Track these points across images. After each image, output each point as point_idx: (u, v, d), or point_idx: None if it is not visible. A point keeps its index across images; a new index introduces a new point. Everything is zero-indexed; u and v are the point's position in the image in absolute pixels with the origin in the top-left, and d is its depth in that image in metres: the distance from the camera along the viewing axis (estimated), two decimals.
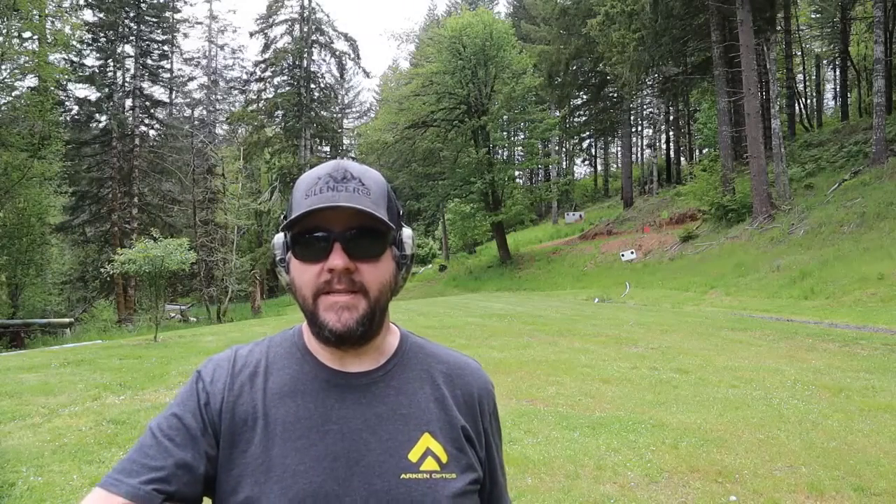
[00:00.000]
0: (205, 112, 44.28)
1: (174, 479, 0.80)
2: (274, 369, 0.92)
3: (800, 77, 39.86)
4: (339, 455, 0.85)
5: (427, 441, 0.89)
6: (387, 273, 0.90)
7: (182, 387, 0.93)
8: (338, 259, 0.85)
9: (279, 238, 0.95)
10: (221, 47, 45.93)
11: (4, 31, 20.39)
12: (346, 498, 0.83)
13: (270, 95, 43.42)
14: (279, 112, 43.34)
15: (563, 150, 51.50)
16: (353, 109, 55.25)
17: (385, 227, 0.88)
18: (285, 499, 0.81)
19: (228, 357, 0.94)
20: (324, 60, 45.68)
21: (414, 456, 0.87)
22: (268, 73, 43.73)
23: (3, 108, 22.43)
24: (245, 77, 45.64)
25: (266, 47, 43.61)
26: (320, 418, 0.86)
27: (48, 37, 21.98)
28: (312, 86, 43.89)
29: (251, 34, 44.54)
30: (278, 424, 0.86)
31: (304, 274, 0.88)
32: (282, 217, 0.96)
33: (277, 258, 0.95)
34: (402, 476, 0.85)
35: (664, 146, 45.53)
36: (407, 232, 0.96)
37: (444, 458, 0.88)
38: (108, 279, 24.67)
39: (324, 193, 0.87)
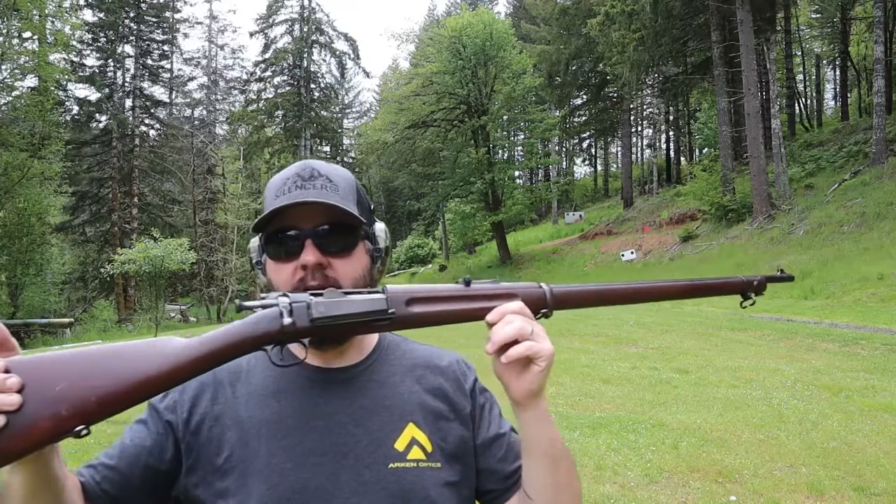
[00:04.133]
0: (205, 112, 44.26)
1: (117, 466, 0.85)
2: (256, 371, 0.92)
3: (800, 77, 39.84)
4: (326, 450, 0.85)
5: (412, 430, 0.90)
6: (360, 267, 0.91)
7: None
8: (310, 255, 0.86)
9: (254, 241, 0.96)
10: (221, 47, 45.91)
11: (4, 31, 20.39)
12: (336, 492, 0.83)
13: (270, 95, 43.45)
14: (279, 112, 43.36)
15: (563, 150, 51.49)
16: (353, 109, 55.27)
17: (355, 221, 0.89)
18: (274, 497, 0.82)
19: None
20: (324, 60, 45.73)
21: (400, 445, 0.88)
22: (268, 73, 43.75)
23: (3, 108, 22.43)
24: (245, 77, 45.63)
25: (266, 47, 43.63)
26: (305, 415, 0.87)
27: (48, 37, 21.98)
28: (312, 86, 43.91)
29: (251, 34, 44.59)
30: (263, 425, 0.86)
31: (279, 273, 0.89)
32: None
33: (254, 261, 0.96)
34: (391, 465, 0.86)
35: (664, 146, 45.54)
36: (379, 226, 0.97)
37: (428, 448, 0.89)
38: (108, 279, 24.69)
39: (292, 192, 0.88)
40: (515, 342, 0.78)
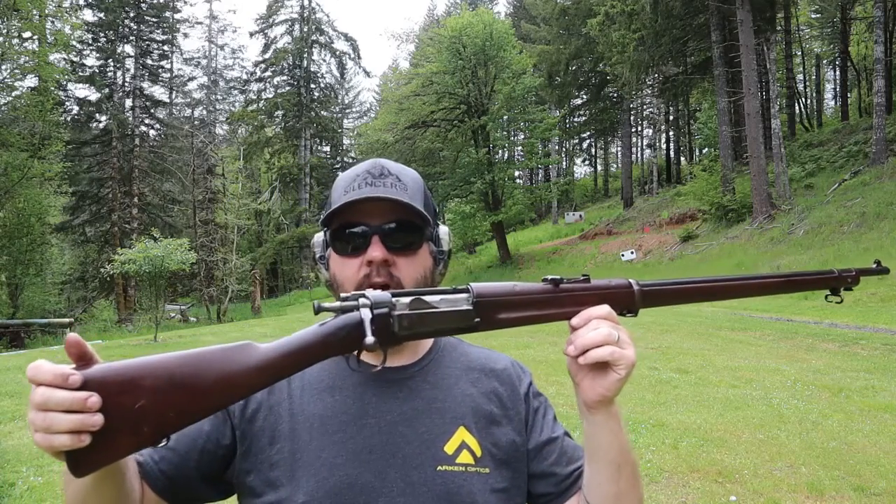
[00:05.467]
0: (205, 112, 44.26)
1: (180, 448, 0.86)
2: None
3: (800, 77, 39.85)
4: (375, 448, 0.85)
5: (462, 434, 0.89)
6: (423, 268, 0.92)
7: None
8: (376, 251, 0.87)
9: (319, 236, 0.97)
10: (221, 47, 45.93)
11: (4, 31, 20.39)
12: (384, 489, 0.83)
13: (270, 95, 43.48)
14: (279, 112, 43.37)
15: (563, 150, 51.49)
16: (353, 109, 55.23)
17: (422, 220, 0.90)
18: (322, 491, 0.82)
19: None
20: (324, 60, 45.76)
21: (450, 448, 0.88)
22: (268, 73, 43.78)
23: (3, 108, 22.43)
24: (245, 77, 45.67)
25: (266, 47, 43.65)
26: (358, 412, 0.87)
27: (48, 37, 21.98)
28: (312, 86, 43.92)
29: (251, 34, 44.67)
30: (316, 419, 0.87)
31: (344, 269, 0.90)
32: (321, 217, 0.98)
33: (317, 255, 0.97)
34: (439, 468, 0.86)
35: (664, 146, 45.53)
36: (443, 229, 0.98)
37: (478, 452, 0.89)
38: (108, 279, 24.67)
39: (362, 189, 0.89)
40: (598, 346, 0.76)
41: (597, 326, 0.77)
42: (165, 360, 0.65)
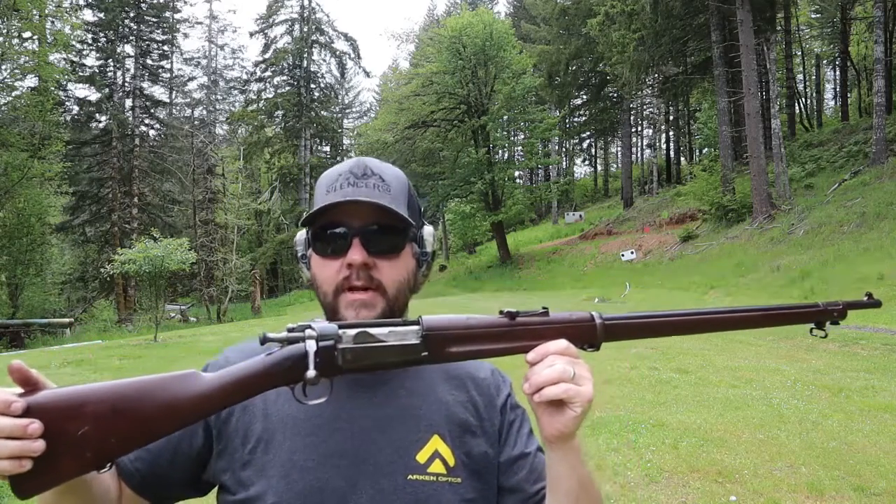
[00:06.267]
0: (205, 112, 44.26)
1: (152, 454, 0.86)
2: None
3: (800, 77, 39.85)
4: (346, 453, 0.84)
5: (436, 443, 0.88)
6: (405, 270, 0.91)
7: None
8: (356, 254, 0.86)
9: (301, 235, 0.96)
10: (221, 47, 45.92)
11: (4, 31, 20.40)
12: (353, 495, 0.83)
13: (270, 95, 43.49)
14: (279, 112, 43.38)
15: (563, 150, 51.49)
16: (353, 109, 55.24)
17: (404, 223, 0.89)
18: (292, 493, 0.82)
19: (234, 353, 0.95)
20: (324, 60, 45.78)
21: (422, 457, 0.86)
22: (268, 73, 43.79)
23: (3, 108, 22.43)
24: (245, 77, 45.67)
25: (266, 47, 43.67)
26: (331, 416, 0.86)
27: (48, 37, 21.99)
28: (312, 86, 43.94)
29: (251, 34, 44.66)
30: (289, 420, 0.86)
31: (324, 270, 0.89)
32: (304, 215, 0.97)
33: (299, 254, 0.96)
34: (409, 477, 0.85)
35: (664, 146, 45.53)
36: (428, 229, 0.97)
37: (451, 462, 0.88)
38: (108, 279, 24.68)
39: (344, 189, 0.88)
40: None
41: (552, 363, 0.75)
42: (109, 388, 0.66)
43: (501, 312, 0.79)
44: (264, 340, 0.71)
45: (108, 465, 0.66)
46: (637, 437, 4.74)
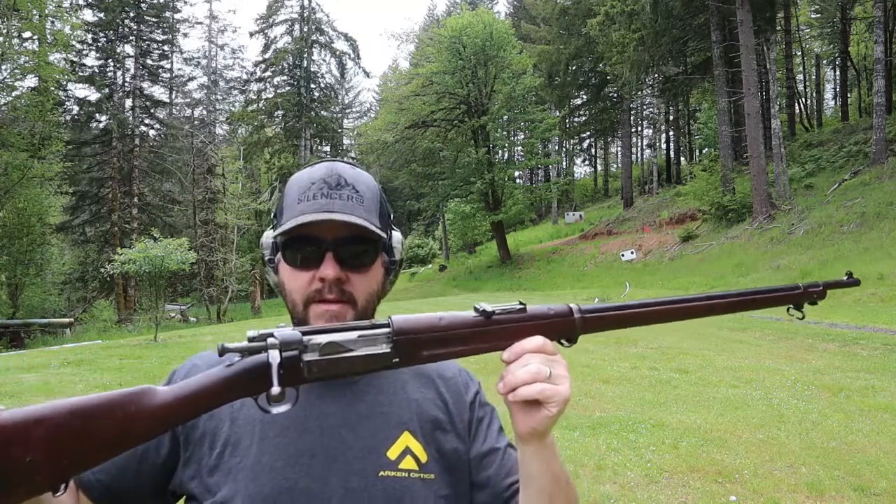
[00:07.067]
0: (205, 112, 44.25)
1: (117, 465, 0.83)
2: None
3: (800, 77, 39.85)
4: (316, 452, 0.84)
5: (407, 439, 0.88)
6: (375, 282, 0.91)
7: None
8: (329, 269, 0.85)
9: (268, 237, 0.94)
10: (221, 47, 45.93)
11: (4, 31, 20.40)
12: (323, 495, 0.82)
13: (270, 95, 43.48)
14: (279, 112, 43.39)
15: (563, 150, 51.50)
16: (353, 109, 55.26)
17: (377, 236, 0.88)
18: (261, 496, 0.81)
19: (202, 365, 0.93)
20: (324, 60, 45.78)
21: (393, 454, 0.86)
22: (268, 73, 43.79)
23: (3, 108, 22.43)
24: (245, 77, 45.66)
25: (266, 47, 43.66)
26: (299, 416, 0.85)
27: (48, 37, 21.98)
28: (312, 86, 43.94)
29: (251, 34, 44.65)
30: (256, 423, 0.85)
31: (294, 280, 0.88)
32: (272, 216, 0.95)
33: (266, 258, 0.94)
34: (380, 473, 0.84)
35: (664, 146, 45.54)
36: (396, 237, 0.96)
37: (423, 458, 0.87)
38: (108, 279, 24.69)
39: (317, 200, 0.86)
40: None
41: (526, 363, 0.74)
42: (58, 408, 0.63)
43: (476, 310, 0.76)
44: (223, 351, 0.67)
45: (63, 486, 0.62)
46: (637, 437, 4.74)
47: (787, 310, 0.92)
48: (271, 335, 0.67)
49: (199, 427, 0.87)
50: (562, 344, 0.79)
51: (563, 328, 0.78)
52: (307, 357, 0.68)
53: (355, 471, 0.84)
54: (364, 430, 0.87)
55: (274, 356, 0.66)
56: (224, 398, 0.68)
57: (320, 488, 0.82)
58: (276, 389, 0.65)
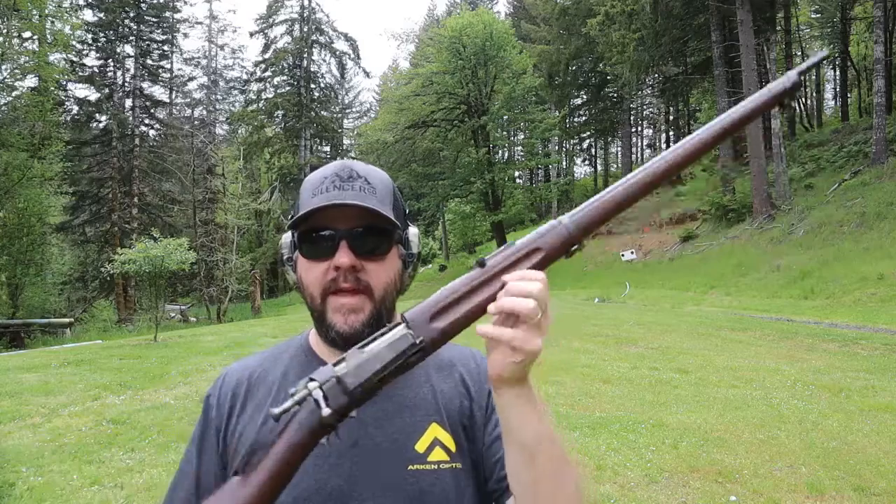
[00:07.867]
0: (205, 112, 44.25)
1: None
2: (260, 384, 0.95)
3: None
4: (343, 451, 0.85)
5: (435, 431, 0.89)
6: (392, 272, 0.91)
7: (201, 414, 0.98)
8: (344, 257, 0.85)
9: (286, 237, 0.96)
10: (221, 47, 45.90)
11: (4, 31, 20.39)
12: (354, 493, 0.83)
13: (270, 95, 43.43)
14: (279, 112, 43.34)
15: (563, 150, 51.47)
16: (353, 109, 55.22)
17: (391, 225, 0.89)
18: (291, 497, 0.81)
19: (231, 377, 0.98)
20: (324, 60, 45.73)
21: (421, 447, 0.87)
22: (268, 74, 43.74)
23: (3, 108, 22.43)
24: (245, 77, 45.64)
25: (266, 47, 43.62)
26: None
27: (48, 37, 21.98)
28: (312, 86, 43.90)
29: (251, 34, 44.58)
30: None
31: (311, 272, 0.89)
32: (289, 217, 0.96)
33: (284, 257, 0.96)
34: (410, 467, 0.85)
35: (664, 146, 45.52)
36: (413, 230, 0.97)
37: (452, 448, 0.88)
38: (108, 279, 24.69)
39: (330, 192, 0.88)
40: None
41: (532, 277, 0.70)
42: None
43: (472, 267, 0.75)
44: (277, 417, 0.68)
45: None
46: (637, 437, 4.74)
47: (778, 110, 0.83)
48: (312, 379, 0.69)
49: (231, 447, 0.91)
50: (570, 255, 0.76)
51: (557, 241, 0.74)
52: (342, 378, 0.69)
53: (385, 467, 0.85)
54: (391, 426, 0.88)
55: (315, 391, 0.68)
56: (297, 464, 0.70)
57: (350, 487, 0.83)
58: (325, 411, 0.67)
